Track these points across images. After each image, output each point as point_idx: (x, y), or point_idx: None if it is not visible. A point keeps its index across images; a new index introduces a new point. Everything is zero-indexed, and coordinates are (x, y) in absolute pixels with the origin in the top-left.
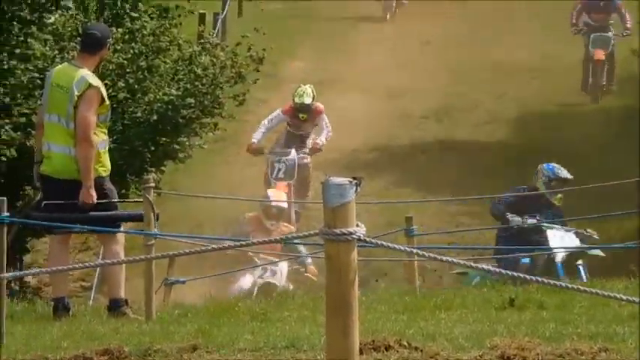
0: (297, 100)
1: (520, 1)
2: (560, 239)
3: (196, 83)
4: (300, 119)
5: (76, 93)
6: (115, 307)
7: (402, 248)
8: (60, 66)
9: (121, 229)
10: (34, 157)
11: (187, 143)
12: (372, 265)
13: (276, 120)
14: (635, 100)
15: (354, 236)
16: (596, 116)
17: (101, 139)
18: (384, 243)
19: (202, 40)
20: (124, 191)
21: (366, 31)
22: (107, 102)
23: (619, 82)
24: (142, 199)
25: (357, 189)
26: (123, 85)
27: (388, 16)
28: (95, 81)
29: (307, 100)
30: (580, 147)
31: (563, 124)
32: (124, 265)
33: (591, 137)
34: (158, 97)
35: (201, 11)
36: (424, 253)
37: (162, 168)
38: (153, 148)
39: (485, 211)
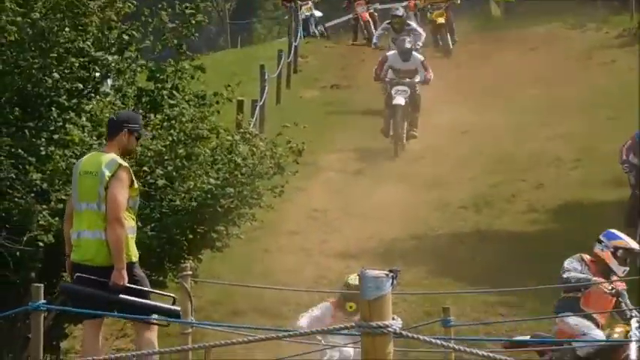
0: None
1: (559, 88)
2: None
3: (235, 172)
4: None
5: (107, 174)
6: None
7: (437, 341)
8: (86, 156)
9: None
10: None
11: (225, 232)
12: (409, 355)
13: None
14: None
15: (390, 329)
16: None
17: (130, 224)
18: (420, 336)
19: (242, 130)
20: (161, 279)
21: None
22: (136, 185)
23: None
24: (167, 294)
25: (393, 282)
26: (161, 172)
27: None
28: (125, 162)
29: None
30: None
31: (604, 214)
32: (157, 355)
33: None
34: (197, 185)
35: (240, 98)
36: (459, 347)
37: (200, 256)
38: (191, 237)
39: (522, 302)
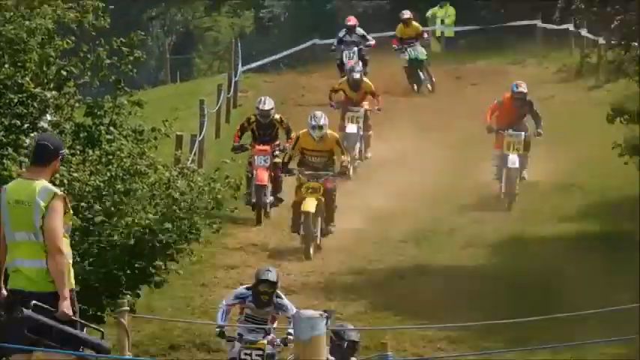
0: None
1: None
2: None
3: (174, 208)
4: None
5: (42, 204)
6: None
7: None
8: (11, 183)
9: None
10: None
11: (163, 267)
12: None
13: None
14: (609, 226)
15: None
16: (572, 241)
17: (68, 250)
18: None
19: (180, 165)
20: (99, 313)
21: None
22: (70, 211)
23: (596, 208)
24: (96, 327)
25: (327, 322)
26: (99, 208)
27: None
28: (58, 191)
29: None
30: (558, 271)
31: (541, 249)
32: None
33: (567, 262)
34: (135, 220)
35: (179, 133)
36: None
37: (138, 291)
38: (129, 272)
39: (462, 336)
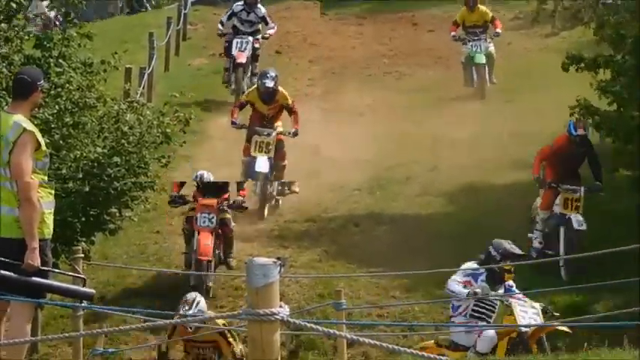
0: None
1: (456, 70)
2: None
3: (122, 141)
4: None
5: (11, 139)
6: None
7: (323, 330)
8: None
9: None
10: None
11: (118, 215)
12: (301, 336)
13: None
14: None
15: (277, 317)
16: (527, 189)
17: (48, 200)
18: (307, 324)
19: (129, 99)
20: (53, 261)
21: (298, 102)
22: (44, 147)
23: None
24: (78, 275)
25: (281, 269)
26: (48, 141)
27: None
28: (29, 126)
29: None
30: (512, 219)
31: (500, 197)
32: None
33: (522, 210)
34: (84, 154)
35: (128, 66)
36: (346, 334)
37: (93, 238)
38: (84, 219)
39: (416, 284)
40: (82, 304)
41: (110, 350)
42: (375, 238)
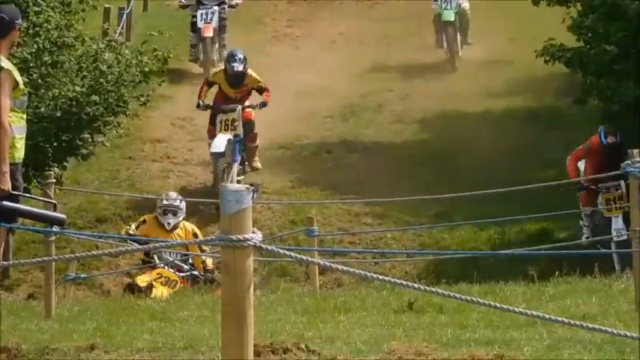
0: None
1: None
2: None
3: (101, 80)
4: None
5: None
6: None
7: (295, 256)
8: None
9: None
10: None
11: (91, 140)
12: (274, 263)
13: None
14: (537, 102)
15: (250, 243)
16: (499, 118)
17: (20, 124)
18: (280, 250)
19: (108, 38)
20: (25, 185)
21: (271, 31)
22: (22, 86)
23: (525, 85)
24: (49, 200)
25: (254, 196)
26: (26, 80)
27: None
28: (6, 64)
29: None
30: (484, 148)
31: (472, 124)
32: None
33: (494, 138)
34: (62, 92)
35: (106, 5)
36: (318, 261)
37: (65, 164)
38: (56, 144)
39: (387, 212)
40: (54, 229)
41: (82, 276)
42: (348, 166)
